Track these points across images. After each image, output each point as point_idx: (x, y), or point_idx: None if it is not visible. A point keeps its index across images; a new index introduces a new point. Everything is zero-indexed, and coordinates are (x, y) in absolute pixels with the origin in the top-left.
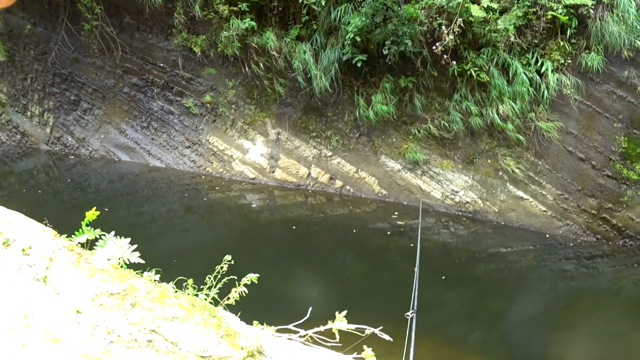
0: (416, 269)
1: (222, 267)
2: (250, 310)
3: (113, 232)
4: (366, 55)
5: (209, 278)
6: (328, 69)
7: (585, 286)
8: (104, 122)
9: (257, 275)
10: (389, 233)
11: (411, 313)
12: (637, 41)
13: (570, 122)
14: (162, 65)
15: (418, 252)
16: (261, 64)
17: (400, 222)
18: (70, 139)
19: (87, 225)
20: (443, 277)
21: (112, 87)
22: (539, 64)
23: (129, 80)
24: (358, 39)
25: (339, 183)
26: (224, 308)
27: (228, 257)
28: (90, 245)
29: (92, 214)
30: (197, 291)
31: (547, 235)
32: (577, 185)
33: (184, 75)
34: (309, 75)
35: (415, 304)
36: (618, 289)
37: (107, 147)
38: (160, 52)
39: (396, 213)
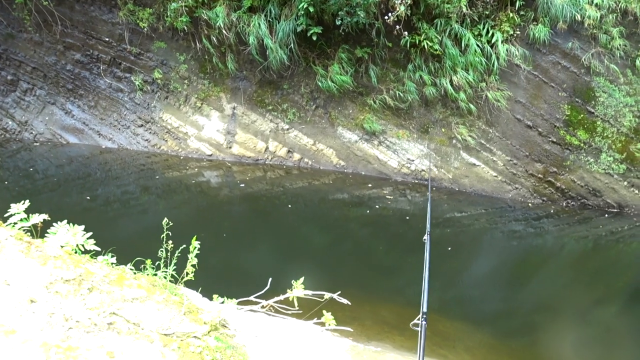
0: (429, 195)
1: (164, 241)
2: (213, 285)
3: (65, 220)
4: (321, 28)
5: (162, 252)
6: (284, 41)
7: (534, 244)
8: (48, 103)
9: (198, 242)
10: (348, 203)
11: (426, 236)
12: (579, 14)
13: (518, 91)
14: (107, 39)
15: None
16: (213, 38)
17: (359, 192)
18: (10, 122)
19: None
20: (403, 244)
21: (53, 65)
22: (489, 35)
23: (71, 56)
24: (312, 9)
25: (297, 156)
26: (184, 285)
27: (166, 222)
28: (42, 233)
29: None
30: (156, 271)
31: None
32: (525, 151)
33: (132, 50)
34: (264, 48)
35: (429, 227)
36: (562, 245)
37: (53, 129)
38: (105, 25)
39: (370, 185)
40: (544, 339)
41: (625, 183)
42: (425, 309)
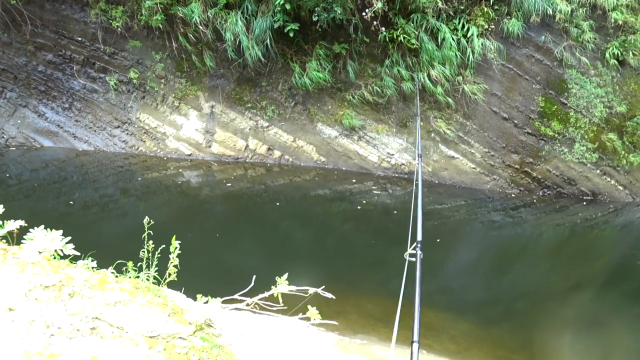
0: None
1: (145, 241)
2: (196, 285)
3: (42, 226)
4: (298, 25)
5: (143, 253)
6: (261, 38)
7: (512, 233)
8: (19, 106)
9: (178, 242)
10: (330, 199)
11: (417, 159)
12: (551, 8)
13: (494, 84)
14: (80, 39)
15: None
16: (190, 36)
17: (340, 187)
18: None
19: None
20: (387, 237)
21: (24, 66)
22: (465, 29)
23: (43, 57)
24: (288, 6)
25: (277, 153)
26: (167, 287)
27: (147, 221)
28: (18, 240)
29: None
30: (138, 273)
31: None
32: (501, 142)
33: (106, 49)
34: (240, 46)
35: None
36: (539, 233)
37: (26, 133)
38: (77, 24)
39: (351, 180)
40: (525, 324)
41: (598, 171)
42: (420, 237)
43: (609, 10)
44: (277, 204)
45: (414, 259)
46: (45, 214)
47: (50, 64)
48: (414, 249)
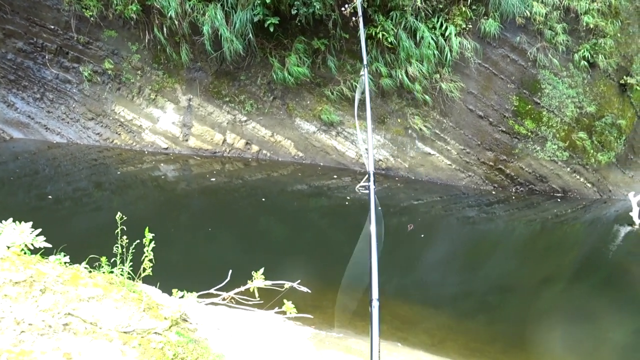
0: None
1: (119, 236)
2: (171, 280)
3: (11, 219)
4: (278, 19)
5: (117, 248)
6: (241, 31)
7: (486, 229)
8: None
9: (152, 234)
10: (307, 194)
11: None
12: (527, 10)
13: (470, 82)
14: (52, 27)
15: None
16: (167, 28)
17: (317, 183)
18: None
19: None
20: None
21: None
22: (443, 28)
23: (13, 45)
24: (268, 0)
25: (255, 148)
26: (142, 282)
27: (120, 216)
28: None
29: None
30: (112, 268)
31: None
32: (477, 140)
33: (80, 38)
34: (219, 38)
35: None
36: (512, 228)
37: None
38: (49, 11)
39: (328, 175)
40: (499, 317)
41: (568, 169)
42: (372, 169)
43: (581, 14)
44: (263, 199)
45: (366, 191)
46: (15, 208)
47: (20, 52)
48: (366, 181)
